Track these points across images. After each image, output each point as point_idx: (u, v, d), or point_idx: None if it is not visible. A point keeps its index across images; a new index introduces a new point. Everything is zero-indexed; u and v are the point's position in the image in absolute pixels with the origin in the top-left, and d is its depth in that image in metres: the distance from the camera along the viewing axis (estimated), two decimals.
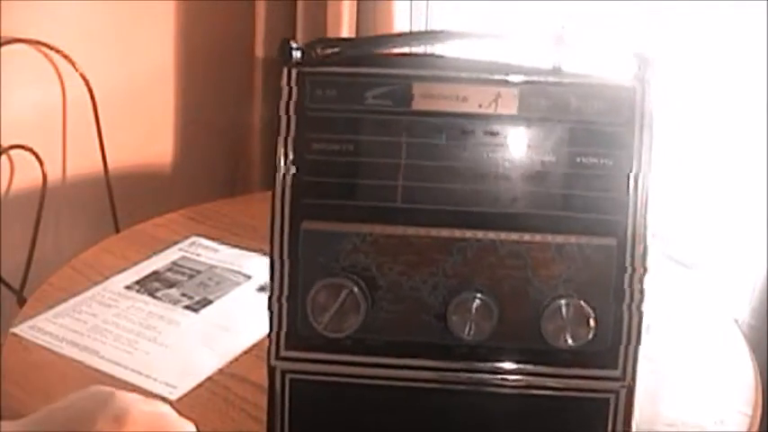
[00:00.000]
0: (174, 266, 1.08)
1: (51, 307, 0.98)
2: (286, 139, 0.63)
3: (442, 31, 0.67)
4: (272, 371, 0.66)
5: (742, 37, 1.25)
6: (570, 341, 0.62)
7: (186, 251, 1.12)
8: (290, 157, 0.63)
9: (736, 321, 1.08)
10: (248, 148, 1.62)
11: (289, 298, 0.64)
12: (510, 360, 0.64)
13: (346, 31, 1.42)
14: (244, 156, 1.64)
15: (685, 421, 0.83)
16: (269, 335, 0.65)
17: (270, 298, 0.65)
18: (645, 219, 0.62)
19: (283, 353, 0.65)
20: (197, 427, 0.57)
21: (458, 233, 0.63)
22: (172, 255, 1.11)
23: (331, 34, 1.41)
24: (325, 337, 0.63)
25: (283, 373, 0.65)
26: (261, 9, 1.51)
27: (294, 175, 0.63)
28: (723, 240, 1.37)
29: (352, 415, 0.67)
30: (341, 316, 0.62)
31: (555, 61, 0.64)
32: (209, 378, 0.87)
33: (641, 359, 0.92)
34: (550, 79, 0.63)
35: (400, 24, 1.43)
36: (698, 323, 1.02)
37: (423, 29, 1.47)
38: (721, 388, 0.89)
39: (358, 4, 1.44)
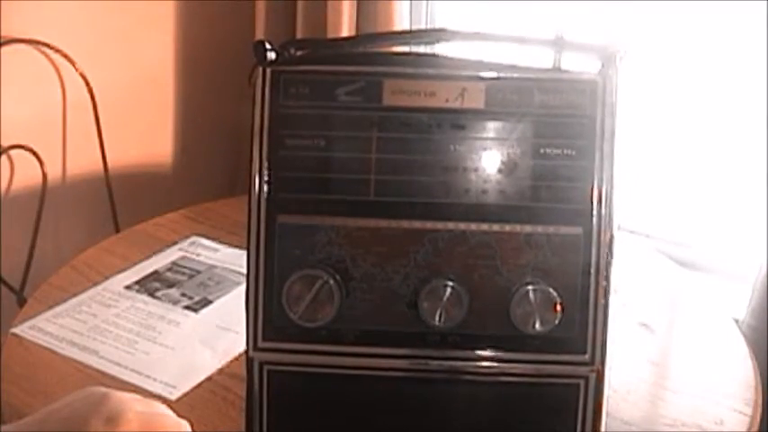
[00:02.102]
0: (174, 266, 1.08)
1: (51, 307, 0.98)
2: (261, 136, 0.65)
3: (414, 31, 0.69)
4: (249, 362, 0.67)
5: (745, 36, 1.25)
6: (538, 326, 0.63)
7: (186, 251, 1.12)
8: (266, 153, 0.65)
9: (736, 321, 1.08)
10: (248, 148, 1.62)
11: (265, 290, 0.65)
12: (481, 347, 0.65)
13: (346, 31, 1.42)
14: (244, 156, 1.64)
15: (685, 421, 0.83)
16: (246, 327, 0.66)
17: (247, 290, 0.66)
18: (610, 208, 0.64)
19: (261, 344, 0.66)
20: (194, 427, 0.57)
21: (429, 225, 0.64)
22: (172, 255, 1.11)
23: (331, 34, 1.42)
24: (301, 327, 0.65)
25: (261, 364, 0.67)
26: (261, 9, 1.51)
27: (269, 170, 0.65)
28: (723, 240, 1.37)
29: (328, 405, 0.68)
30: (315, 306, 0.64)
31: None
32: (209, 378, 0.87)
33: (642, 359, 0.93)
34: (516, 74, 0.65)
35: (400, 24, 1.43)
36: (698, 323, 1.02)
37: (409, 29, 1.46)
38: (721, 388, 0.89)
39: (358, 5, 1.44)
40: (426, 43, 0.71)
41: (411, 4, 1.45)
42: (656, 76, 1.33)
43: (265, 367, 0.67)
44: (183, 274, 1.07)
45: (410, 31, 0.66)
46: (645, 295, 1.06)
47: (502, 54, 0.66)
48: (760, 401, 0.87)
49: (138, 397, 0.54)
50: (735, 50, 1.27)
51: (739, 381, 0.90)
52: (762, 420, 0.86)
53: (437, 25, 1.50)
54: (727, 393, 0.88)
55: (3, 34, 1.31)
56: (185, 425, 0.56)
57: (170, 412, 0.56)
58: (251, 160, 0.65)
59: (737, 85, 1.29)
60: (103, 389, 0.54)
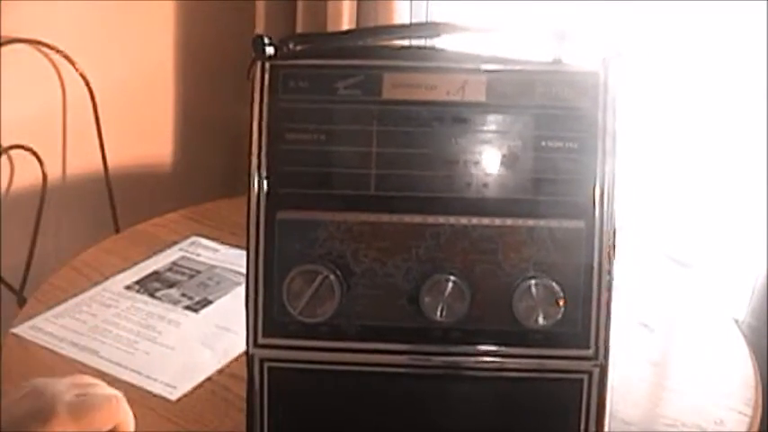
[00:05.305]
0: (174, 266, 1.08)
1: (51, 307, 0.98)
2: (260, 131, 0.65)
3: (413, 25, 0.68)
4: (250, 359, 0.66)
5: (744, 35, 1.25)
6: (541, 321, 0.63)
7: (186, 251, 1.12)
8: (264, 148, 0.65)
9: (736, 321, 1.09)
10: (248, 148, 1.62)
11: (265, 286, 0.65)
12: (484, 342, 0.65)
13: None
14: (243, 156, 1.64)
15: (685, 421, 0.83)
16: (246, 323, 0.66)
17: (246, 286, 0.65)
18: (612, 201, 0.63)
19: (261, 340, 0.66)
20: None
21: (430, 219, 0.64)
22: (172, 255, 1.11)
23: None
24: (301, 323, 0.64)
25: (261, 360, 0.66)
26: (261, 9, 1.51)
27: (268, 165, 0.65)
28: (723, 240, 1.37)
29: (329, 401, 0.67)
30: (316, 301, 0.63)
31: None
32: (209, 378, 0.87)
33: (642, 359, 0.93)
34: (517, 67, 0.64)
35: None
36: (698, 323, 1.02)
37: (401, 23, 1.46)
38: (721, 388, 0.89)
39: (358, 4, 1.44)
40: (426, 37, 0.70)
41: (411, 3, 1.45)
42: (655, 76, 1.33)
43: (266, 364, 0.66)
44: (183, 274, 1.07)
45: (409, 25, 0.65)
46: (645, 295, 1.06)
47: (501, 48, 0.65)
48: (760, 401, 0.87)
49: (70, 380, 0.56)
50: (733, 49, 1.27)
51: (739, 381, 0.90)
52: (762, 420, 0.86)
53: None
54: (727, 393, 0.88)
55: (3, 34, 1.31)
56: (118, 397, 0.56)
57: (102, 388, 0.57)
58: (250, 156, 0.65)
59: (738, 86, 1.29)
60: (39, 381, 0.55)
